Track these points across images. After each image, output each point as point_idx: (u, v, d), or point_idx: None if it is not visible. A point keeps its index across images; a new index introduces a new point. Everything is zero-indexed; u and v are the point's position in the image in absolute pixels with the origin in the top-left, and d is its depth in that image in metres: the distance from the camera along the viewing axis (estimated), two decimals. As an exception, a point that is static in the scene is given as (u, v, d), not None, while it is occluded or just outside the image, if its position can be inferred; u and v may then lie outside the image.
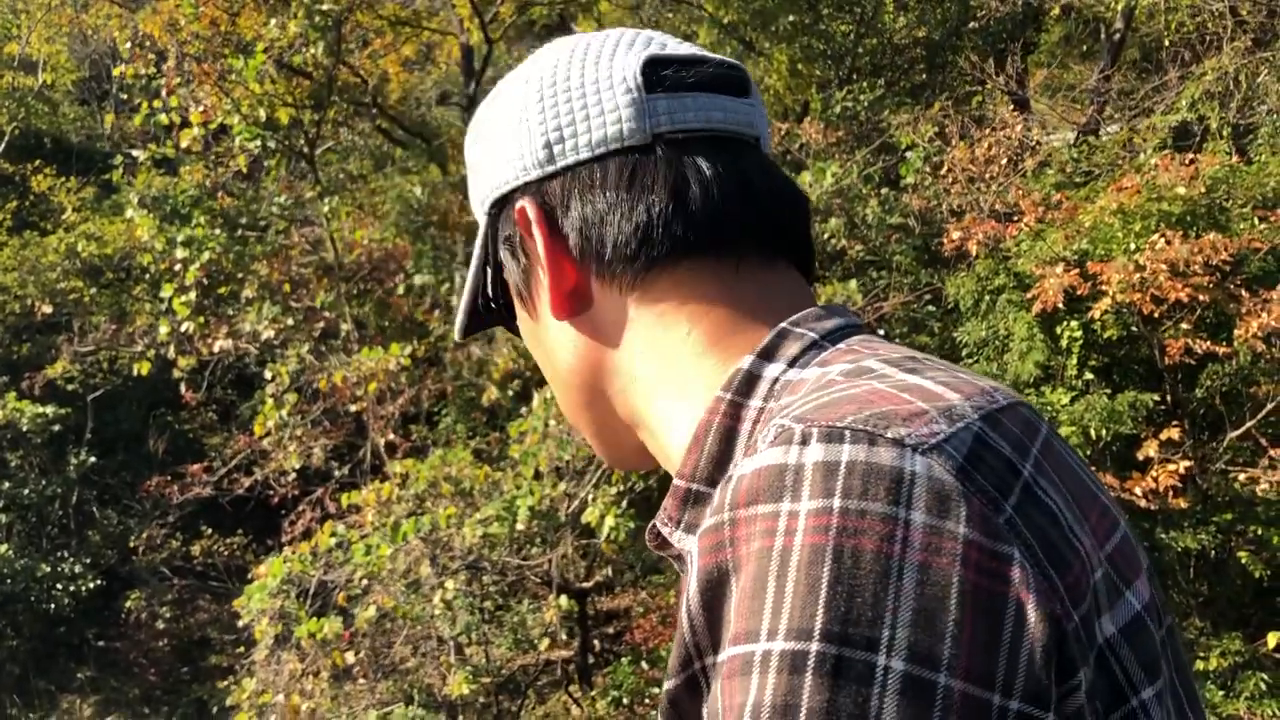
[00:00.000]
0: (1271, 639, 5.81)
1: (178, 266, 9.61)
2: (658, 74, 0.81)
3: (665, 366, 0.80)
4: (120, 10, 13.16)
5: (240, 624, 7.64)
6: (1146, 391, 6.23)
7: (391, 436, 9.54)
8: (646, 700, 7.81)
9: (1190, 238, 6.10)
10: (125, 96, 16.23)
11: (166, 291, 9.65)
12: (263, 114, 9.55)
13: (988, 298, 6.94)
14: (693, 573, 0.63)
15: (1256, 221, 6.60)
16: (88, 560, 12.99)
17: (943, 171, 8.21)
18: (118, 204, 13.32)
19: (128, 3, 12.97)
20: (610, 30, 0.87)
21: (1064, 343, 6.42)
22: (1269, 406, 6.26)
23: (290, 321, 10.08)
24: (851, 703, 0.54)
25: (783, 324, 0.77)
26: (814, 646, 0.55)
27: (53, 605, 12.39)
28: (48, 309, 13.95)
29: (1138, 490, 5.89)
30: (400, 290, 11.16)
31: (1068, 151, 8.93)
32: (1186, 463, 5.96)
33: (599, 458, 6.21)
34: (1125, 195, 6.49)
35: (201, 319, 9.82)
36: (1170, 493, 5.90)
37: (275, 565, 7.03)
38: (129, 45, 10.42)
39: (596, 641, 9.88)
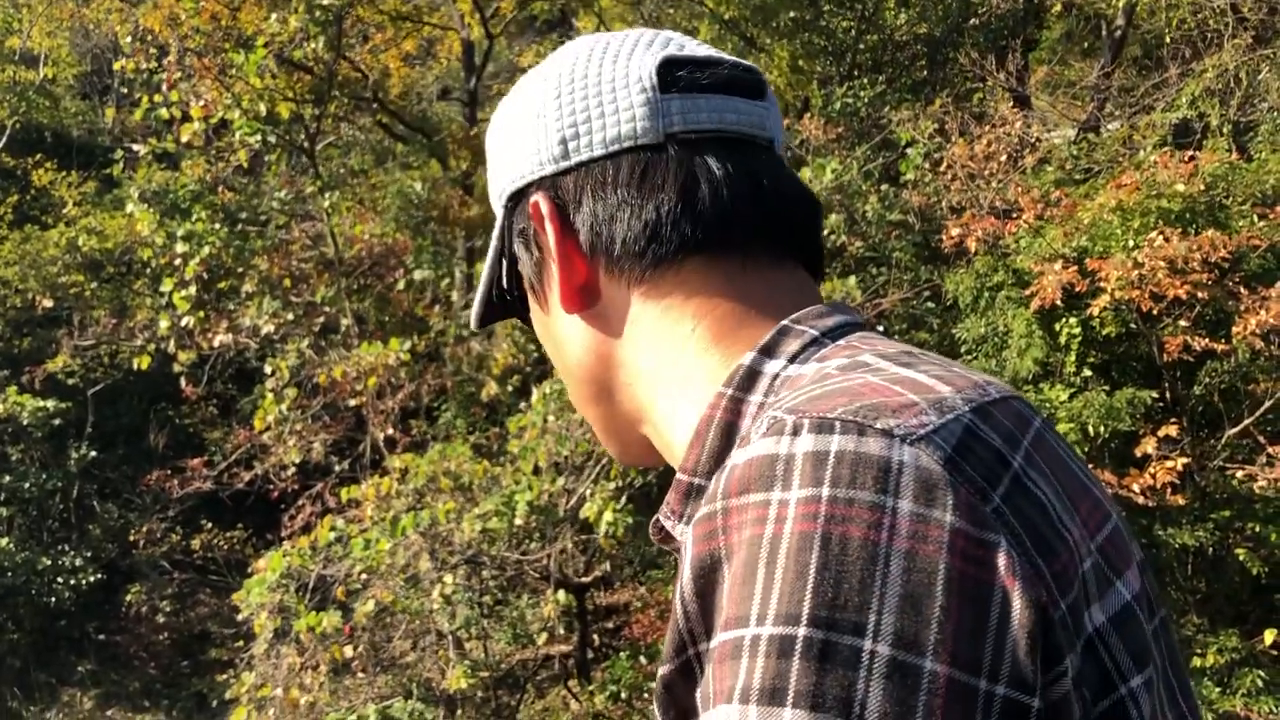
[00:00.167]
0: (1268, 636, 5.82)
1: (178, 261, 9.62)
2: (673, 74, 0.83)
3: (670, 362, 0.82)
4: (121, 4, 13.15)
5: (240, 618, 7.66)
6: (1145, 388, 6.23)
7: (391, 431, 9.54)
8: (645, 695, 7.82)
9: (1189, 235, 6.10)
10: (126, 91, 16.25)
11: (167, 286, 9.66)
12: (263, 109, 9.55)
13: (987, 294, 6.95)
14: (686, 560, 0.64)
15: (1256, 219, 6.60)
16: (88, 554, 13.01)
17: (942, 168, 8.21)
18: (119, 198, 13.32)
19: (129, -3, 12.96)
20: (630, 30, 0.89)
21: (1063, 339, 6.43)
22: (1267, 404, 6.26)
23: (290, 316, 10.09)
24: (838, 686, 0.55)
25: (784, 321, 0.78)
26: (801, 631, 0.56)
27: (53, 599, 12.40)
28: (48, 303, 13.97)
29: (1135, 487, 5.90)
30: (400, 285, 11.17)
31: (1067, 148, 8.93)
32: (1184, 460, 5.96)
33: (601, 453, 6.23)
34: (1124, 192, 6.49)
35: (202, 313, 9.82)
36: (1168, 489, 5.91)
37: (274, 559, 7.04)
38: (130, 40, 10.42)
39: (595, 636, 9.90)
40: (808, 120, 9.59)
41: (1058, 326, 6.44)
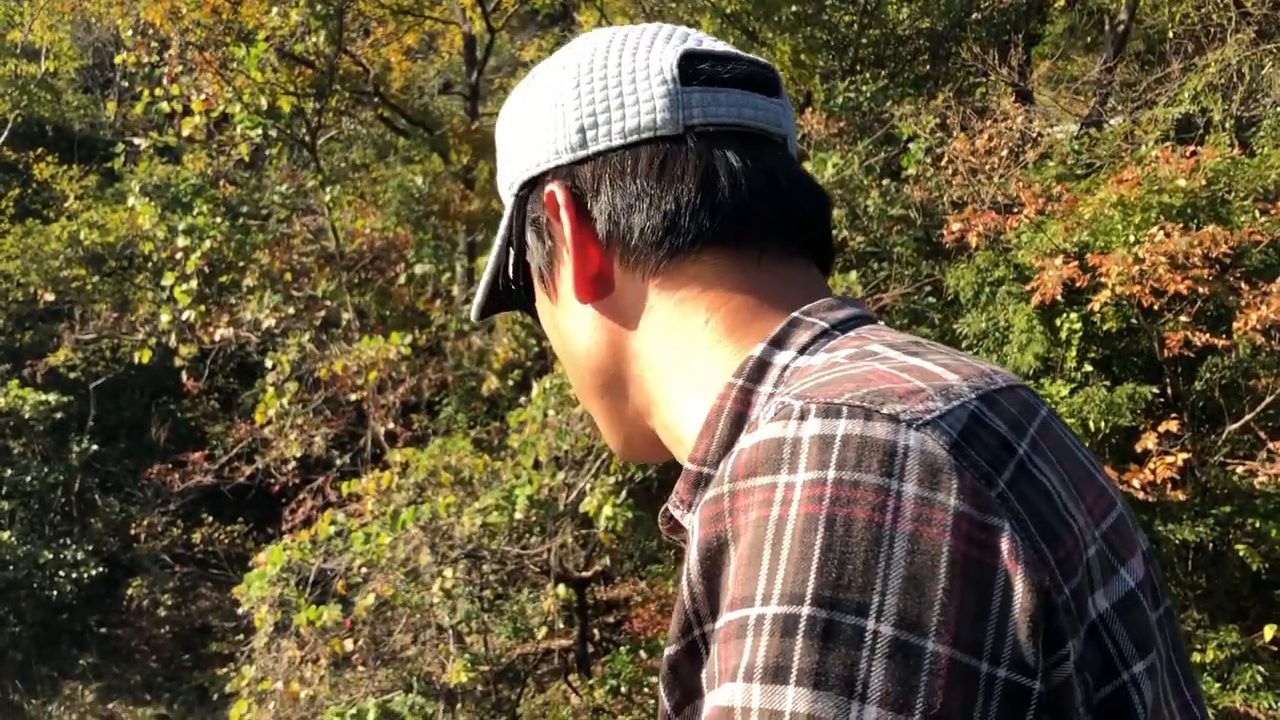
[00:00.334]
0: (1268, 631, 5.81)
1: (179, 255, 9.62)
2: (694, 68, 0.83)
3: (682, 354, 0.82)
4: (122, -2, 13.14)
5: (240, 612, 7.67)
6: (1146, 384, 6.23)
7: (392, 425, 9.55)
8: (645, 689, 7.83)
9: (1191, 230, 6.09)
10: (127, 85, 16.25)
11: (168, 280, 9.66)
12: (264, 102, 9.55)
13: (988, 289, 6.94)
14: (693, 543, 0.65)
15: (1257, 214, 6.59)
16: (90, 547, 13.03)
17: (943, 163, 8.20)
18: (120, 192, 13.33)
19: (130, -10, 12.94)
20: (648, 25, 0.89)
21: (1063, 335, 6.42)
22: (1268, 399, 6.25)
23: (291, 310, 10.10)
24: (841, 665, 0.55)
25: (795, 313, 0.78)
26: (805, 610, 0.57)
27: (55, 592, 12.43)
28: (50, 297, 13.97)
29: (1136, 482, 5.89)
30: (402, 280, 11.17)
31: (1069, 143, 8.91)
32: (1185, 455, 5.95)
33: (601, 447, 6.21)
34: (1126, 187, 6.48)
35: (203, 307, 9.83)
36: (1169, 485, 5.90)
37: (275, 553, 7.05)
38: (131, 33, 10.41)
39: (596, 631, 9.90)
40: (809, 115, 9.57)
41: (1059, 322, 6.43)
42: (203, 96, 9.50)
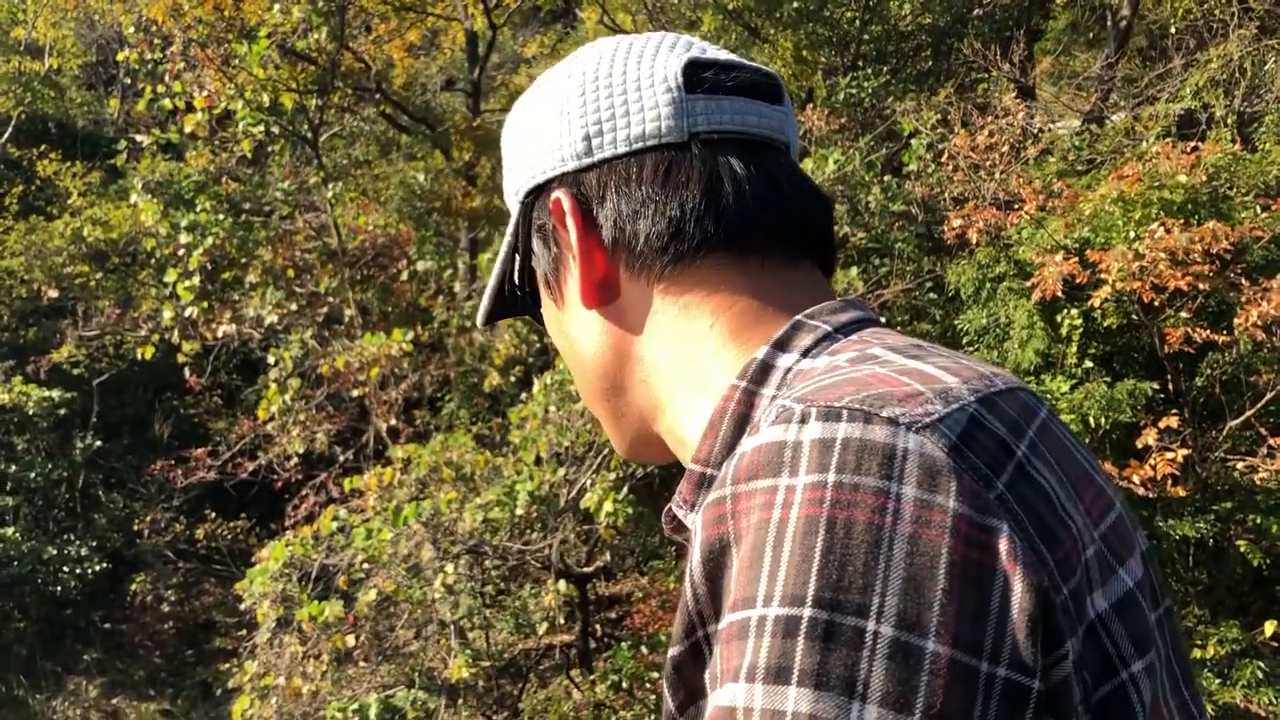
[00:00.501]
0: (1269, 627, 5.80)
1: (182, 251, 9.64)
2: (698, 76, 0.84)
3: (687, 358, 0.83)
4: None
5: (243, 607, 7.69)
6: (1146, 380, 6.22)
7: (394, 421, 9.57)
8: (646, 684, 7.84)
9: (1191, 226, 6.08)
10: (130, 82, 16.26)
11: (171, 276, 9.68)
12: (266, 99, 9.56)
13: (988, 285, 6.93)
14: (696, 545, 0.66)
15: (1258, 210, 6.57)
16: (93, 543, 13.07)
17: (944, 159, 8.19)
18: (123, 189, 13.35)
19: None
20: (652, 33, 0.90)
21: (1064, 331, 6.41)
22: (1269, 395, 6.24)
23: (294, 307, 10.12)
24: (842, 665, 0.56)
25: (798, 316, 0.79)
26: (806, 612, 0.57)
27: (59, 588, 12.46)
28: (54, 293, 14.01)
29: (1136, 478, 5.88)
30: (404, 276, 11.18)
31: (1070, 139, 8.90)
32: (1185, 451, 5.94)
33: (603, 443, 6.21)
34: (1126, 183, 6.47)
35: (205, 304, 9.85)
36: (1169, 481, 5.89)
37: (277, 549, 7.07)
38: (133, 30, 10.43)
39: (597, 626, 9.92)
40: (811, 111, 9.57)
41: (1059, 318, 6.42)
42: (205, 93, 9.52)
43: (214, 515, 13.44)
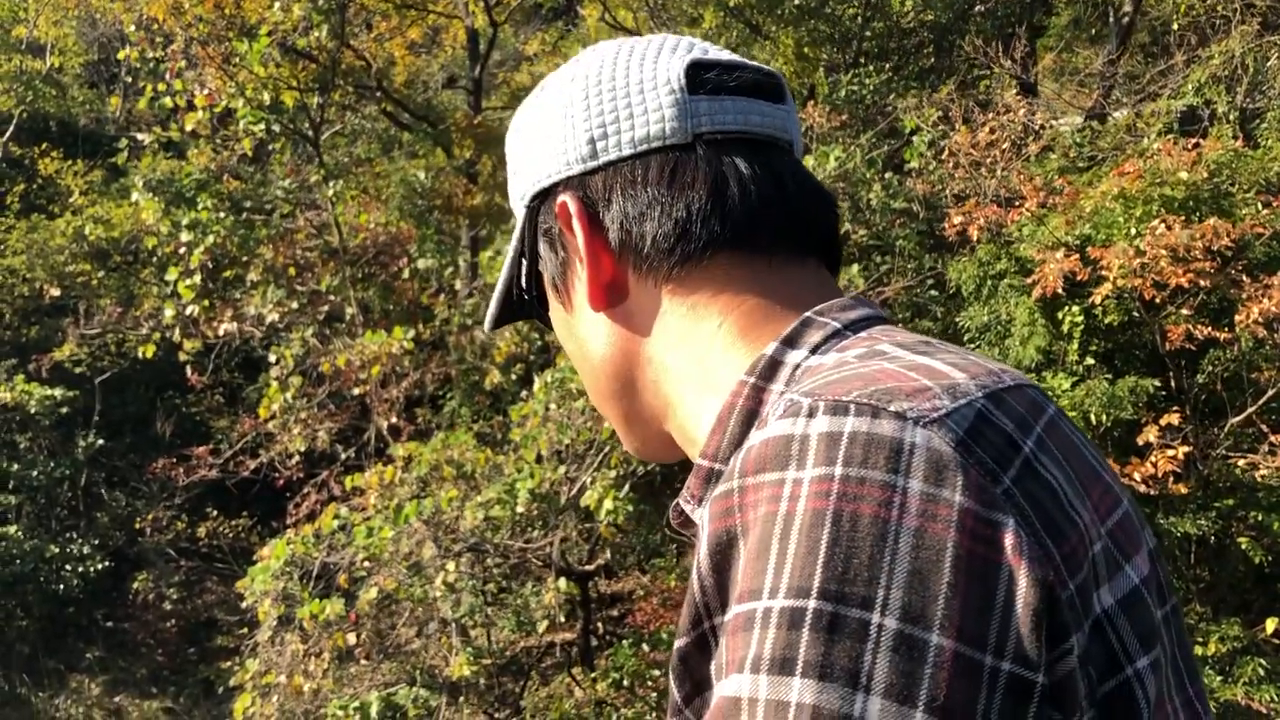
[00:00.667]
0: (1270, 624, 5.79)
1: (183, 249, 9.64)
2: (700, 77, 0.85)
3: (696, 358, 0.83)
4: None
5: (244, 605, 7.70)
6: (1148, 377, 6.21)
7: (395, 420, 9.57)
8: (648, 682, 7.84)
9: (1192, 223, 6.07)
10: (130, 80, 16.26)
11: (172, 275, 9.69)
12: (267, 97, 9.56)
13: (989, 283, 6.92)
14: (703, 537, 0.67)
15: (1260, 207, 6.56)
16: (96, 541, 13.08)
17: (943, 156, 8.18)
18: (125, 187, 13.36)
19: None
20: (653, 35, 0.91)
21: (1065, 328, 6.40)
22: (1270, 392, 6.23)
23: (295, 305, 10.13)
24: (846, 657, 0.57)
25: (808, 313, 0.80)
26: (811, 604, 0.58)
27: (61, 586, 12.48)
28: (55, 292, 14.03)
29: (1137, 476, 5.88)
30: (405, 274, 11.18)
31: (1072, 136, 8.88)
32: (1187, 448, 5.93)
33: (603, 441, 6.20)
34: (1127, 180, 6.46)
35: (207, 302, 9.86)
36: (1170, 478, 5.88)
37: (278, 547, 7.07)
38: (134, 28, 10.43)
39: (599, 624, 9.93)
40: (812, 108, 9.56)
41: (1060, 315, 6.41)
42: (206, 91, 9.52)
43: (216, 513, 13.46)
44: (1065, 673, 0.60)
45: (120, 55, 11.48)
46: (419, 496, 7.28)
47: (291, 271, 10.51)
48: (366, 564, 7.11)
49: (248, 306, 10.21)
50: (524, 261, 0.92)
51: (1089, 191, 6.80)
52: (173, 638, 13.15)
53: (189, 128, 9.75)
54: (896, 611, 0.57)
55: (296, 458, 9.95)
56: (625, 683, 7.80)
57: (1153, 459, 5.87)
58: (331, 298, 10.43)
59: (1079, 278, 6.18)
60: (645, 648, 7.94)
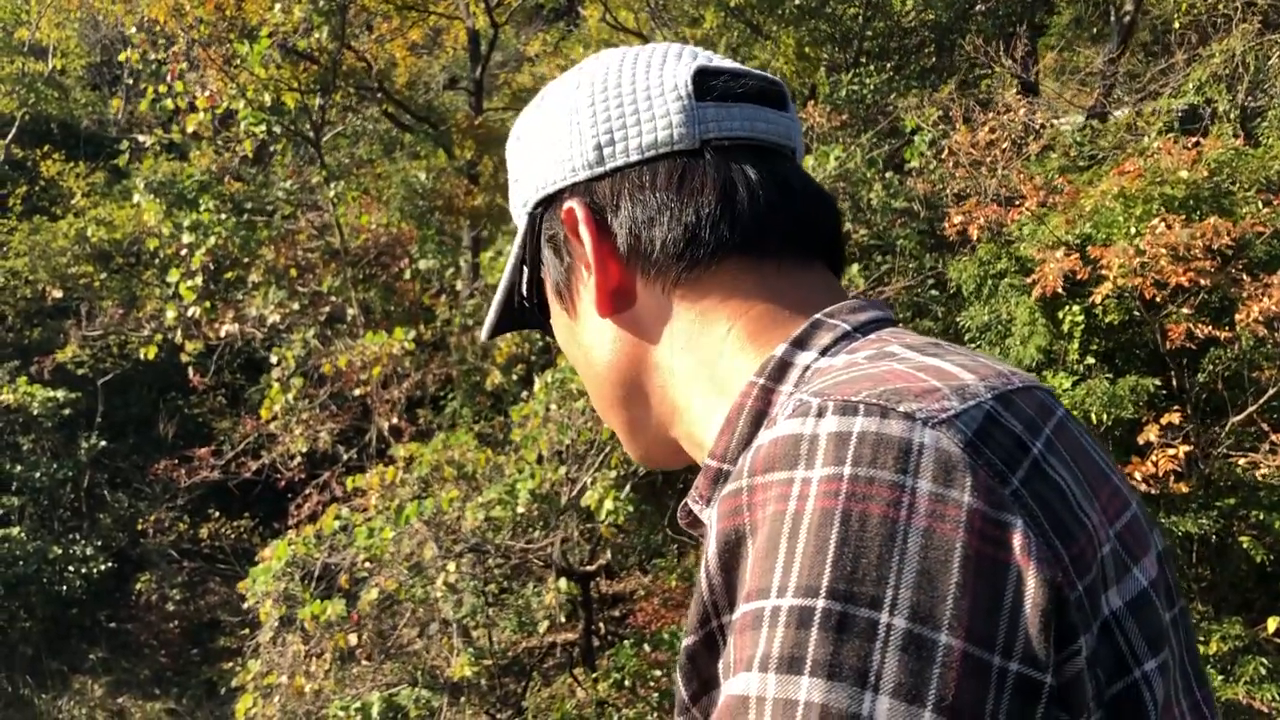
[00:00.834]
0: (1271, 624, 5.78)
1: (184, 251, 9.65)
2: (707, 84, 0.85)
3: (705, 363, 0.83)
4: (128, -5, 13.17)
5: (246, 606, 7.70)
6: (1148, 376, 6.20)
7: (397, 420, 9.58)
8: (650, 683, 7.83)
9: (1193, 222, 6.06)
10: (132, 82, 16.28)
11: (173, 276, 9.69)
12: (268, 99, 9.57)
13: (990, 282, 6.92)
14: (711, 536, 0.67)
15: (1260, 205, 6.55)
16: (99, 543, 13.10)
17: (943, 155, 8.18)
18: (127, 189, 13.38)
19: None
20: (657, 44, 0.91)
21: (1066, 327, 6.40)
22: (1271, 391, 6.22)
23: (296, 306, 10.13)
24: (855, 656, 0.57)
25: (817, 315, 0.80)
26: (820, 603, 0.58)
27: (64, 587, 12.50)
28: (58, 293, 14.05)
29: (1138, 475, 5.87)
30: (406, 275, 11.19)
31: (1072, 135, 8.88)
32: (1187, 447, 5.93)
33: (603, 441, 6.19)
34: (1127, 179, 6.46)
35: (208, 303, 9.86)
36: (1171, 477, 5.88)
37: (280, 548, 7.07)
38: (135, 30, 10.45)
39: (600, 624, 9.93)
40: (813, 108, 9.56)
41: (1061, 314, 6.41)
42: (207, 93, 9.53)
43: (218, 514, 13.47)
44: (1073, 674, 0.60)
45: (122, 57, 11.49)
46: (420, 497, 7.27)
47: (293, 273, 10.53)
48: (368, 565, 7.12)
49: (249, 308, 10.22)
50: (525, 268, 0.92)
51: (1089, 191, 6.80)
52: (175, 639, 13.16)
53: (190, 129, 9.76)
54: (905, 611, 0.57)
55: (298, 459, 9.96)
56: (627, 683, 7.80)
57: (1153, 458, 5.86)
58: (333, 299, 10.44)
59: (1079, 277, 6.18)
60: (647, 648, 7.94)
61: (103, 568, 12.79)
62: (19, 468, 13.13)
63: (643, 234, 0.83)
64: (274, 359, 9.37)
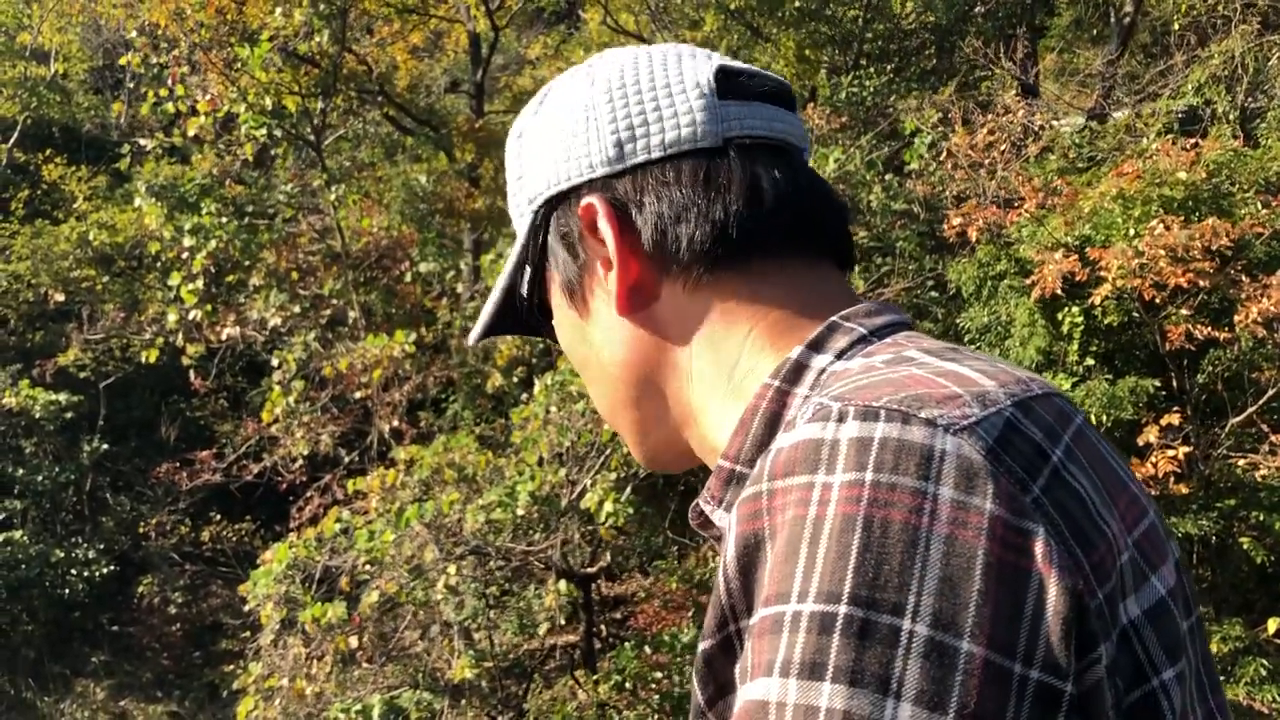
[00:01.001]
0: (1272, 625, 5.77)
1: (185, 254, 9.67)
2: (730, 81, 0.85)
3: (724, 365, 0.83)
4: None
5: (247, 609, 7.71)
6: (1148, 377, 6.20)
7: (398, 423, 9.58)
8: (650, 685, 7.84)
9: (1192, 223, 6.07)
10: (134, 85, 16.31)
11: (174, 279, 9.71)
12: (269, 102, 9.59)
13: (989, 284, 6.93)
14: (730, 539, 0.66)
15: (1259, 206, 6.56)
16: (101, 546, 13.10)
17: (942, 157, 8.18)
18: (128, 192, 13.40)
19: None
20: (668, 45, 0.90)
21: (1065, 328, 6.40)
22: (1271, 392, 6.22)
23: (297, 309, 10.15)
24: (876, 663, 0.57)
25: (833, 318, 0.79)
26: (842, 609, 0.58)
27: (66, 590, 12.50)
28: (60, 297, 14.06)
29: (1138, 476, 5.86)
30: (407, 278, 11.20)
31: (1071, 137, 8.88)
32: (1187, 449, 5.93)
33: (604, 444, 6.19)
34: (1126, 180, 6.46)
35: (210, 307, 9.88)
36: (1171, 478, 5.88)
37: (281, 551, 7.08)
38: (136, 34, 10.47)
39: (602, 627, 9.93)
40: (812, 110, 9.57)
41: (1060, 315, 6.41)
42: (208, 97, 9.55)
43: (220, 517, 13.48)
44: (1093, 682, 0.60)
45: (123, 61, 11.52)
46: (421, 499, 7.28)
47: (294, 276, 10.54)
48: (369, 567, 7.11)
49: (251, 311, 10.24)
50: (528, 268, 0.90)
51: (1088, 192, 6.80)
52: (178, 642, 13.16)
53: (192, 133, 9.78)
54: (927, 618, 0.57)
55: (300, 461, 9.96)
56: (628, 685, 7.80)
57: (1153, 459, 5.86)
58: (334, 302, 10.46)
59: (1078, 278, 6.18)
60: (647, 650, 7.94)
61: (105, 571, 12.79)
62: (21, 471, 13.13)
63: (669, 230, 0.82)
64: (275, 362, 9.38)
